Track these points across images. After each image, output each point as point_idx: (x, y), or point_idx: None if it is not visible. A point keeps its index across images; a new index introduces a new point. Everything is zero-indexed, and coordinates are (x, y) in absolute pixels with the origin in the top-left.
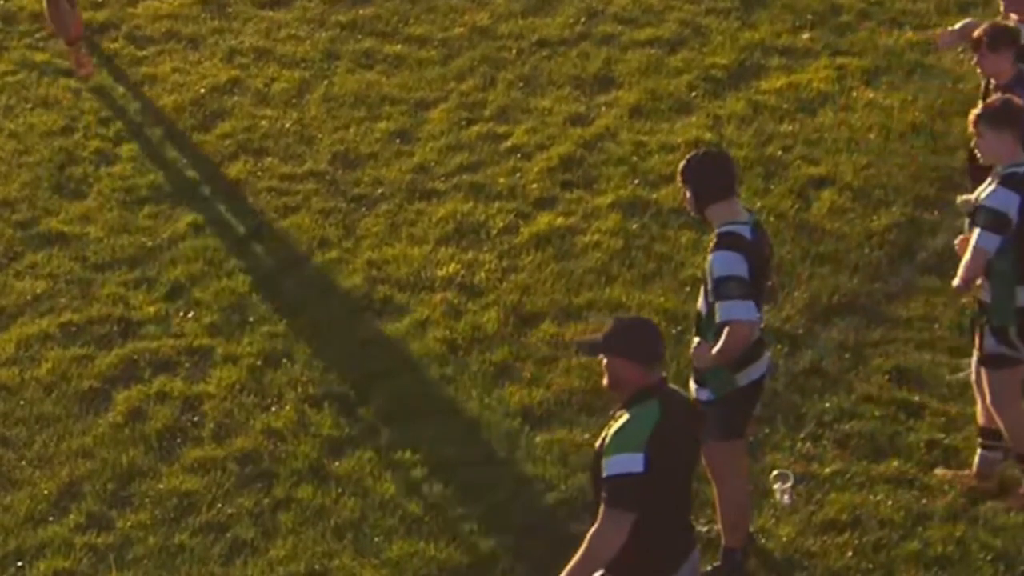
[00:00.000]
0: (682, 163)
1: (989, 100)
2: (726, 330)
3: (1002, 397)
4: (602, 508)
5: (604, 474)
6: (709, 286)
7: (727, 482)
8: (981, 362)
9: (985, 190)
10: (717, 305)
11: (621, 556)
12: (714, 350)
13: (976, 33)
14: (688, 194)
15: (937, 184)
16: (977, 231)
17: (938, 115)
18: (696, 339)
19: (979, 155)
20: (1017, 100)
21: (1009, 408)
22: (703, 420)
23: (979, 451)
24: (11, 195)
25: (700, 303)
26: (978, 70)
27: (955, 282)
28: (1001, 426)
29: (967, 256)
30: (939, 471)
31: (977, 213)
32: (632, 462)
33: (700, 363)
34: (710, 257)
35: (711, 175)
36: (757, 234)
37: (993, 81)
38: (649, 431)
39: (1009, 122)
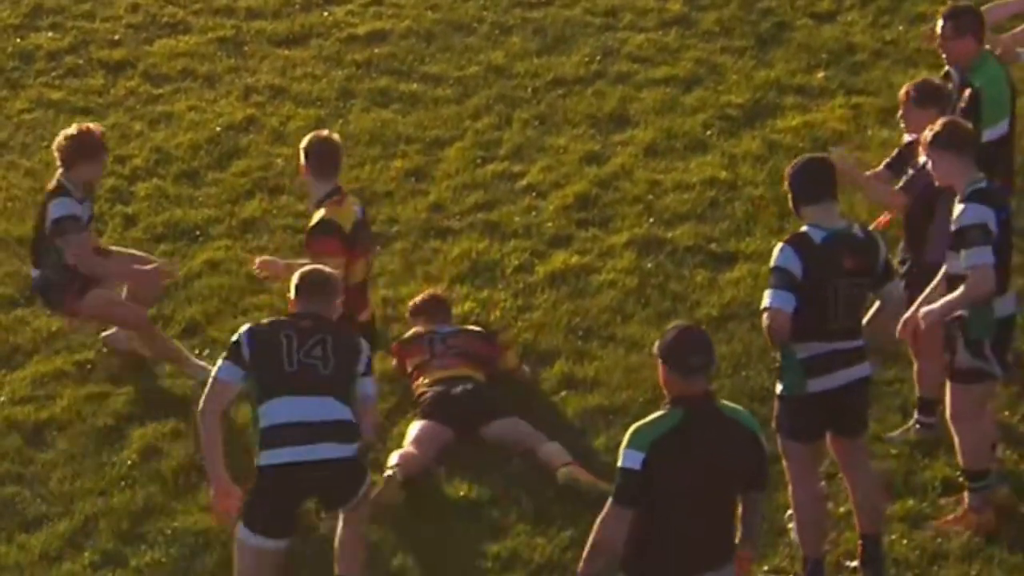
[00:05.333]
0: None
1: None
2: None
3: (965, 413)
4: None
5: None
6: None
7: (792, 486)
8: (952, 376)
9: (955, 212)
10: None
11: (631, 555)
12: None
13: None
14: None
15: None
16: (970, 250)
17: None
18: None
19: (937, 180)
20: (963, 123)
21: (969, 423)
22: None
23: (966, 492)
24: (27, 233)
25: None
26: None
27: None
28: (957, 441)
29: (972, 279)
30: (938, 524)
31: (960, 236)
32: (632, 459)
33: None
34: None
35: (804, 178)
36: (834, 241)
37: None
38: (658, 435)
39: (958, 145)
